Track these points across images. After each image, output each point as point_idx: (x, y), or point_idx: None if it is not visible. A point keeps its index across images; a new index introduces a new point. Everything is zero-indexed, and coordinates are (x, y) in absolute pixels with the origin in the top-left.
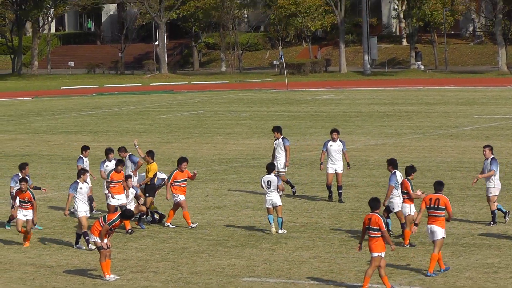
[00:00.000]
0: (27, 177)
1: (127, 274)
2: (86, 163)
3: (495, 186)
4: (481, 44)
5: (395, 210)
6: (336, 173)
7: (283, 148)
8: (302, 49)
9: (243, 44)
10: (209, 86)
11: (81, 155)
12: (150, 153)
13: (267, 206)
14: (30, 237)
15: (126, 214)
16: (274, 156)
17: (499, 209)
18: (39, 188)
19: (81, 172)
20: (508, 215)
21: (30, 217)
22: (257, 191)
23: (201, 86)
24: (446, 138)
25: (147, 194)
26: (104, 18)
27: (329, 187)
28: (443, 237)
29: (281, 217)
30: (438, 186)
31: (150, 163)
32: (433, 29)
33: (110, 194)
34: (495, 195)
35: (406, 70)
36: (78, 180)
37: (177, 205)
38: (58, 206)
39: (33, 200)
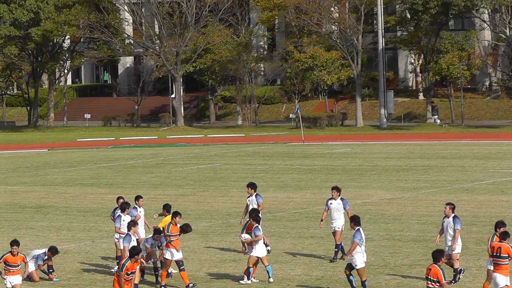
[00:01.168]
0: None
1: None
2: (141, 213)
3: (459, 244)
4: (498, 98)
5: (358, 267)
6: (335, 231)
7: (256, 205)
8: (319, 102)
9: (260, 97)
10: (225, 139)
11: (135, 205)
12: (167, 206)
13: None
14: None
15: (133, 251)
16: (246, 212)
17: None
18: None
19: (132, 224)
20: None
21: (18, 282)
22: (273, 245)
23: (217, 139)
24: (462, 192)
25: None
26: (120, 71)
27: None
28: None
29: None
30: (503, 235)
31: (166, 216)
32: (450, 83)
33: (168, 249)
34: (458, 253)
35: (422, 124)
36: (129, 232)
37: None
38: (73, 258)
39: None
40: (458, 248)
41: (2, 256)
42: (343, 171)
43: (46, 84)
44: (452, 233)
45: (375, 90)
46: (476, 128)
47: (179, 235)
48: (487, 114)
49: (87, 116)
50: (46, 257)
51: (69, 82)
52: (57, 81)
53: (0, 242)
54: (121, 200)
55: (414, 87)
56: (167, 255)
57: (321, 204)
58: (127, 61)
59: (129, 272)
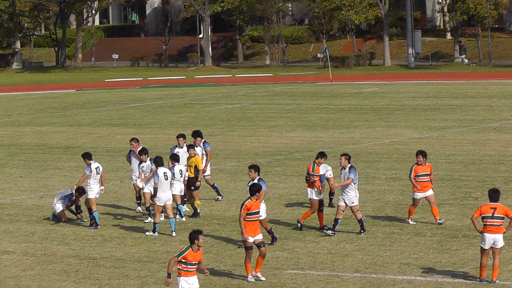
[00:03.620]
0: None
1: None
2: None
3: (356, 195)
4: None
5: (354, 204)
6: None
7: (204, 153)
8: (346, 42)
9: (287, 37)
10: (253, 79)
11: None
12: (191, 146)
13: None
14: None
15: (253, 188)
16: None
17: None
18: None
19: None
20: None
21: None
22: (301, 184)
23: (245, 79)
24: (489, 131)
25: (192, 188)
26: (148, 11)
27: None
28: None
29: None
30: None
31: (193, 156)
32: (477, 23)
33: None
34: (357, 204)
35: (450, 63)
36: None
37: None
38: (101, 198)
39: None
40: (356, 200)
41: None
42: (371, 111)
43: (73, 24)
44: (351, 184)
45: (402, 30)
46: (504, 68)
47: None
48: None
49: (115, 56)
50: (73, 197)
51: (96, 22)
52: (84, 22)
53: (28, 183)
54: (180, 139)
55: (441, 27)
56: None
57: (350, 143)
58: (154, 1)
59: (251, 212)
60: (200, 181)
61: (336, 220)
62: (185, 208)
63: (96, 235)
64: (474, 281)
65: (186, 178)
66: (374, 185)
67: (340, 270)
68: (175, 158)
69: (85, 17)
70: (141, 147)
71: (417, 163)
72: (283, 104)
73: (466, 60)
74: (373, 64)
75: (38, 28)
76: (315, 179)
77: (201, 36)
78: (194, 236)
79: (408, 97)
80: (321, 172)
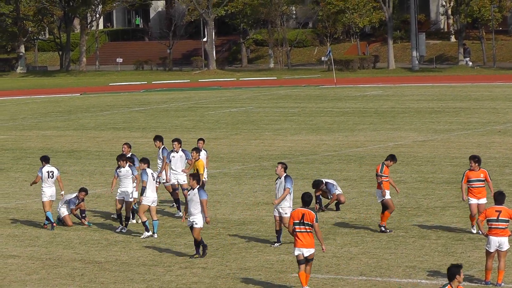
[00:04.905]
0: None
1: (176, 270)
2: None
3: (290, 206)
4: None
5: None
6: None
7: (161, 158)
8: (350, 45)
9: (291, 40)
10: (257, 83)
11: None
12: (198, 150)
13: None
14: None
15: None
16: None
17: None
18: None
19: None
20: None
21: None
22: (306, 188)
23: (249, 82)
24: (494, 134)
25: None
26: (152, 15)
27: None
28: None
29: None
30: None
31: (197, 160)
32: (481, 25)
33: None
34: (288, 216)
35: (454, 66)
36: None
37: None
38: (106, 202)
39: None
40: (288, 211)
41: None
42: (375, 114)
43: (77, 28)
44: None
45: (406, 33)
46: (508, 70)
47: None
48: None
49: (119, 60)
50: (78, 201)
51: (100, 26)
52: (88, 26)
53: (33, 187)
54: (175, 143)
55: (445, 30)
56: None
57: (354, 146)
58: (158, 5)
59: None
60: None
61: (278, 232)
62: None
63: (101, 239)
64: (479, 284)
65: (157, 185)
66: None
67: (345, 273)
68: (146, 162)
69: (89, 21)
70: (130, 153)
71: (469, 169)
72: (288, 107)
73: (471, 63)
74: (377, 67)
75: (42, 32)
76: (383, 179)
77: (205, 39)
78: (454, 271)
79: (413, 100)
80: (387, 174)
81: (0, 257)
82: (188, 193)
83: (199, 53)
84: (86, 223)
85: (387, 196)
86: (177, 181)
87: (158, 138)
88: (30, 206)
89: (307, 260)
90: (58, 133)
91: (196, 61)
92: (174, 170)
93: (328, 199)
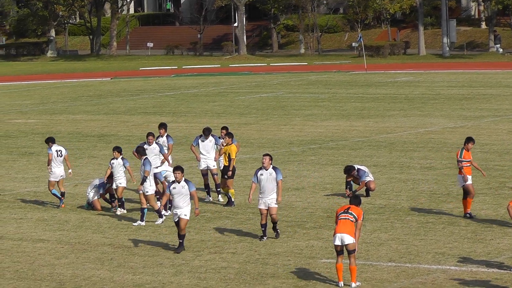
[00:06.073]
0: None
1: (205, 255)
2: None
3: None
4: None
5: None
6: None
7: (166, 145)
8: (381, 31)
9: (322, 26)
10: (287, 68)
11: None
12: (230, 135)
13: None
14: None
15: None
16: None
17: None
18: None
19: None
20: None
21: None
22: (336, 173)
23: (279, 67)
24: None
25: (226, 176)
26: (183, 0)
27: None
28: None
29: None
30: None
31: (229, 145)
32: None
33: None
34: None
35: (484, 53)
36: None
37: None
38: (135, 186)
39: None
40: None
41: None
42: (406, 100)
43: (108, 13)
44: (274, 183)
45: (437, 19)
46: None
47: None
48: None
49: (150, 44)
50: (108, 185)
51: (131, 11)
52: (119, 10)
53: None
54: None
55: (476, 16)
56: None
57: (384, 132)
58: None
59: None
60: (231, 170)
61: (264, 225)
62: (219, 197)
63: (130, 223)
64: (509, 271)
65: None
66: (409, 175)
67: (375, 259)
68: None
69: (119, 5)
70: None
71: (466, 149)
72: (318, 93)
73: (501, 50)
74: (407, 53)
75: (73, 16)
76: (464, 165)
77: (235, 24)
78: None
79: (443, 86)
80: (468, 158)
81: (29, 241)
82: (173, 186)
83: (230, 38)
84: (115, 207)
85: (469, 181)
86: (207, 166)
87: (163, 125)
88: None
89: (349, 252)
90: (88, 117)
91: (226, 46)
92: (204, 155)
93: (359, 185)
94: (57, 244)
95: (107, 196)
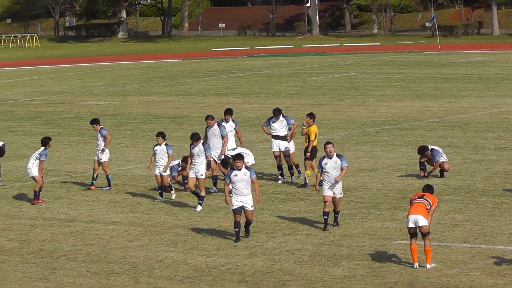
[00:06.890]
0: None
1: (279, 237)
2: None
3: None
4: None
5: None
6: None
7: (166, 154)
8: (454, 11)
9: (395, 6)
10: (361, 48)
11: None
12: (312, 115)
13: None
14: None
15: None
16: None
17: None
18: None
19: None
20: None
21: None
22: (410, 154)
23: (352, 48)
24: None
25: (305, 157)
26: None
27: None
28: None
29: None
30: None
31: (311, 125)
32: None
33: None
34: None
35: None
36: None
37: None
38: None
39: None
40: (342, 192)
41: None
42: (480, 80)
43: None
44: (339, 171)
45: None
46: None
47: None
48: None
49: (222, 25)
50: (180, 168)
51: None
52: None
53: (135, 153)
54: (228, 117)
55: None
56: None
57: (458, 113)
58: None
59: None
60: (310, 152)
61: (326, 214)
62: (293, 178)
63: (204, 205)
64: None
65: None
66: (483, 155)
67: (450, 240)
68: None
69: None
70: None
71: None
72: (391, 73)
73: None
74: (481, 33)
75: None
76: None
77: (308, 5)
78: None
79: None
80: None
81: (101, 224)
82: (234, 173)
83: (302, 19)
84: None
85: None
86: (279, 148)
87: (161, 134)
88: (131, 172)
89: (423, 234)
90: (160, 98)
91: (299, 27)
92: (275, 139)
93: (433, 165)
94: (129, 227)
95: (180, 178)
